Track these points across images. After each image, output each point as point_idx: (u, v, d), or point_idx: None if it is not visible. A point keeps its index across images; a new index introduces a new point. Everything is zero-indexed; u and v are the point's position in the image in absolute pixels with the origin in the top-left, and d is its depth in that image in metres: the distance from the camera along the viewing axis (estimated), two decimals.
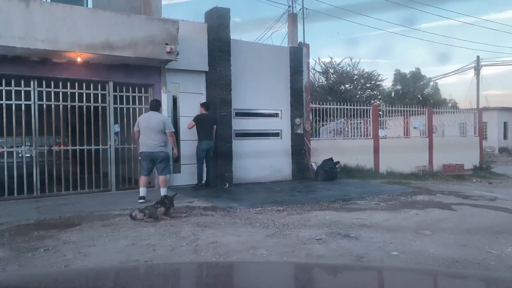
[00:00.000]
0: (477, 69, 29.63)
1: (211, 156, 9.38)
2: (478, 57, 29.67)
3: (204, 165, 9.44)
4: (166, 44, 8.41)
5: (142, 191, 7.53)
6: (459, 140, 16.10)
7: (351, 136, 14.30)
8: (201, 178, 9.35)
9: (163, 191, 7.39)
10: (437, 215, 6.82)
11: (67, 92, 8.31)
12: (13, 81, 7.80)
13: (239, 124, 10.44)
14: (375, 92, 29.32)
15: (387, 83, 35.21)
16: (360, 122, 14.50)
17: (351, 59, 27.46)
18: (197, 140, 9.24)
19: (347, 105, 13.34)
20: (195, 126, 9.18)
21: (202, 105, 9.44)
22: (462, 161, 14.83)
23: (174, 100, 9.85)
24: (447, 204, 7.79)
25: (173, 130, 7.54)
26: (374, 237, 5.27)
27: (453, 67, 78.09)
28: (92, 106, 8.63)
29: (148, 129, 7.38)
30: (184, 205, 7.34)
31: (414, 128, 15.62)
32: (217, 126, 9.47)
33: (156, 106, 7.71)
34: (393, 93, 33.76)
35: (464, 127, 16.89)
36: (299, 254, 4.58)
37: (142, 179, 7.57)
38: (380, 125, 14.89)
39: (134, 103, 9.05)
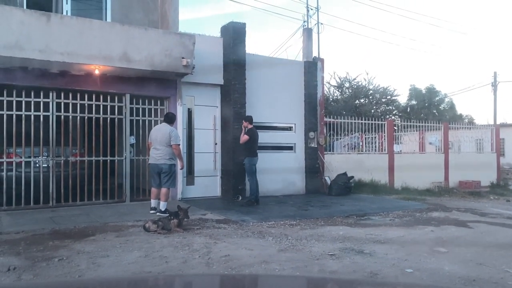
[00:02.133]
0: (494, 85, 29.28)
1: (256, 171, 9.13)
2: (495, 73, 29.33)
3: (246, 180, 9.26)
4: (182, 57, 8.52)
5: (153, 202, 7.56)
6: (476, 156, 15.87)
7: (366, 151, 14.21)
8: (255, 193, 8.97)
9: (162, 205, 7.34)
10: (453, 233, 6.70)
11: (84, 103, 8.46)
12: (32, 93, 7.97)
13: None
14: (390, 107, 29.17)
15: (402, 98, 34.94)
16: (375, 137, 14.41)
17: (367, 74, 27.42)
18: (249, 155, 8.92)
19: (361, 120, 13.29)
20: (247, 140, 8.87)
21: (247, 119, 9.11)
22: (479, 177, 14.60)
23: (189, 113, 9.94)
24: (464, 222, 7.65)
25: (178, 142, 7.42)
26: (388, 253, 5.20)
27: (471, 82, 77.33)
28: (108, 118, 8.75)
29: (155, 141, 7.42)
30: (197, 217, 7.35)
31: (430, 143, 15.45)
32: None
33: (168, 118, 7.69)
34: (408, 108, 33.51)
35: (481, 144, 16.65)
36: (312, 270, 4.54)
37: (152, 191, 7.59)
38: (395, 140, 14.78)
39: (150, 115, 9.16)
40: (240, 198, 9.46)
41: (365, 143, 14.72)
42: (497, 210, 9.53)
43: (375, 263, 4.78)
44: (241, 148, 9.16)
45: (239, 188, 9.68)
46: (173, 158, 7.43)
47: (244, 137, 8.89)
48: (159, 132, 7.46)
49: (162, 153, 7.33)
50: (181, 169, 7.76)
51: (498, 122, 25.92)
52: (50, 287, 1.69)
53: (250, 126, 9.02)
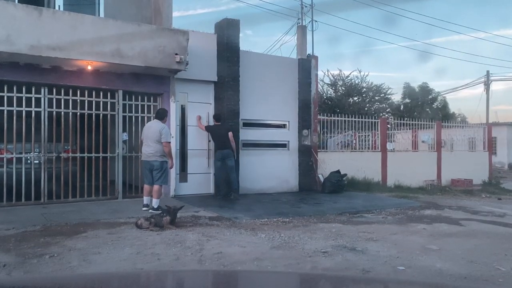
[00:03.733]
0: (487, 83, 29.47)
1: (232, 165, 9.37)
2: (488, 71, 29.54)
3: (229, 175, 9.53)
4: (176, 54, 8.47)
5: (146, 199, 7.54)
6: (468, 155, 15.97)
7: (359, 149, 14.25)
8: (218, 187, 9.56)
9: (154, 202, 7.33)
10: (445, 230, 6.74)
11: (76, 99, 8.39)
12: (24, 88, 7.90)
13: (246, 134, 10.46)
14: (383, 105, 29.23)
15: (396, 96, 34.97)
16: (368, 135, 14.45)
17: (359, 72, 27.44)
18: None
19: (355, 118, 13.31)
20: (208, 135, 9.65)
21: (214, 116, 9.68)
22: (471, 176, 14.69)
23: (183, 110, 9.90)
24: (456, 220, 7.70)
25: (169, 140, 7.40)
26: (380, 251, 5.21)
27: (463, 81, 77.78)
28: (101, 114, 8.69)
29: (147, 138, 7.41)
30: (190, 214, 7.33)
31: (423, 142, 15.51)
32: (232, 133, 9.46)
33: (159, 114, 7.66)
34: (401, 107, 33.61)
35: (473, 142, 16.76)
36: (304, 267, 4.54)
37: (145, 188, 7.57)
38: (388, 138, 14.82)
39: (143, 111, 9.11)
40: (233, 196, 9.44)
41: (359, 141, 14.75)
42: (489, 208, 9.59)
43: (367, 260, 4.79)
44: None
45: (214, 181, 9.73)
46: (165, 155, 7.40)
47: (200, 126, 9.74)
48: (150, 129, 7.44)
49: (154, 150, 7.30)
50: (170, 168, 7.71)
51: (490, 121, 26.12)
52: (41, 282, 1.67)
53: (216, 123, 9.51)
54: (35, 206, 7.78)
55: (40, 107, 8.09)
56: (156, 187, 7.37)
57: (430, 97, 34.56)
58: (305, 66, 11.56)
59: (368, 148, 14.21)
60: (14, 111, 7.84)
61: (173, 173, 9.13)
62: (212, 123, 10.17)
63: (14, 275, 4.08)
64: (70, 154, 8.48)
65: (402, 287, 1.72)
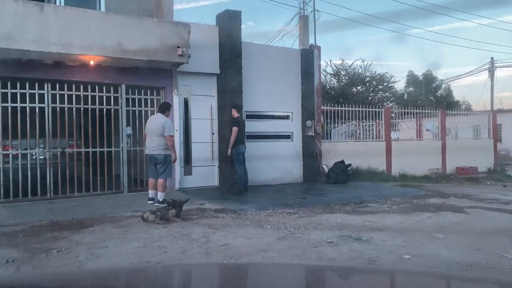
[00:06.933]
0: (491, 70, 29.23)
1: (244, 159, 9.21)
2: (492, 58, 29.25)
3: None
4: (178, 47, 8.45)
5: (151, 193, 7.57)
6: (473, 142, 15.89)
7: (363, 139, 14.22)
8: (243, 181, 9.04)
9: (159, 196, 7.36)
10: (451, 219, 6.74)
11: (80, 94, 8.41)
12: (27, 84, 7.91)
13: (250, 126, 10.41)
14: (387, 94, 29.07)
15: (399, 85, 34.78)
16: (372, 124, 14.40)
17: (363, 61, 27.24)
18: (235, 145, 8.87)
19: (358, 107, 13.27)
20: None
21: (235, 107, 9.12)
22: (476, 163, 14.64)
23: (186, 103, 9.90)
24: (461, 207, 7.69)
25: (172, 133, 7.42)
26: (386, 240, 5.22)
27: (467, 69, 77.22)
28: (104, 109, 8.72)
29: (150, 132, 7.43)
30: (195, 207, 7.36)
31: (427, 130, 15.46)
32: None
33: (161, 108, 7.67)
34: (405, 95, 33.43)
35: (478, 130, 16.67)
36: (310, 257, 4.56)
37: (150, 181, 7.60)
38: (393, 127, 14.77)
39: (146, 105, 9.12)
40: (238, 187, 9.46)
41: (363, 131, 14.72)
42: (494, 195, 9.57)
43: (373, 250, 4.80)
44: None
45: (237, 178, 9.68)
46: (168, 148, 7.41)
47: (233, 130, 8.78)
48: (153, 123, 7.46)
49: (157, 143, 7.32)
50: (173, 161, 7.71)
51: (495, 108, 25.96)
52: (49, 278, 1.69)
53: (236, 115, 9.00)
54: (41, 202, 7.84)
55: (43, 103, 8.11)
56: (160, 180, 7.40)
57: (434, 85, 34.37)
58: (308, 57, 11.51)
59: (372, 138, 14.18)
60: (18, 108, 7.87)
61: (178, 166, 9.15)
62: (216, 116, 10.18)
63: (22, 270, 4.12)
64: (75, 149, 8.51)
65: (408, 276, 1.72)
